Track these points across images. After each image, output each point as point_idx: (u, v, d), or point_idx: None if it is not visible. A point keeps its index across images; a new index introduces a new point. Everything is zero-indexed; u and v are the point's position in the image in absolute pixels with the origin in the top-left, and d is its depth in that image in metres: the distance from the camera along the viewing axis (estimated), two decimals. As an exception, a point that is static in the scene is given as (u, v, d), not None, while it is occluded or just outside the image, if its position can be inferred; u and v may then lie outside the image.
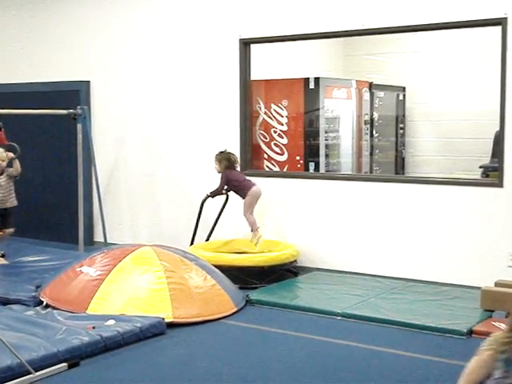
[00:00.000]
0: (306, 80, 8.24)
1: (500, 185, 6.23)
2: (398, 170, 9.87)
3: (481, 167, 8.41)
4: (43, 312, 5.61)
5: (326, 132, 8.50)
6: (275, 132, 8.14)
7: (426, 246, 6.61)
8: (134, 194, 8.43)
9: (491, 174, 7.49)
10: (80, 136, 7.76)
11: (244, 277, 6.57)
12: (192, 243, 7.32)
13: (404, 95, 9.86)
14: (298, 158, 8.13)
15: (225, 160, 7.14)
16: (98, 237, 8.52)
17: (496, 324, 5.23)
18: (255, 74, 7.68)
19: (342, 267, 7.00)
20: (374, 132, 9.37)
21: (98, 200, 8.09)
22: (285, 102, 8.12)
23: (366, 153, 9.19)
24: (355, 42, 9.47)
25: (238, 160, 7.28)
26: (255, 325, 5.50)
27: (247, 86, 7.60)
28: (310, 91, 8.25)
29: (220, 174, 7.17)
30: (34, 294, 5.96)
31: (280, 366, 4.63)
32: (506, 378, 2.88)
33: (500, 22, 6.10)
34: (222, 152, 7.19)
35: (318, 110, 8.40)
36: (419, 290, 6.31)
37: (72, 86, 8.67)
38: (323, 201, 7.17)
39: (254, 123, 8.02)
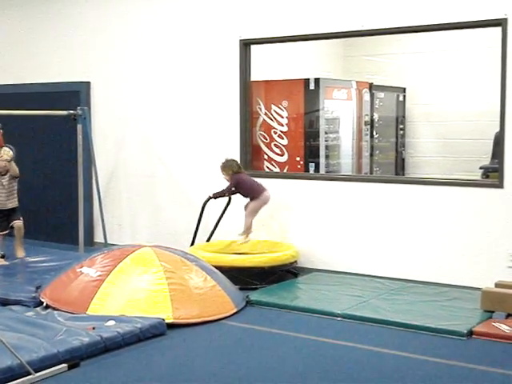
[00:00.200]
0: (306, 81, 8.24)
1: (500, 186, 6.23)
2: (398, 170, 9.87)
3: (481, 168, 8.41)
4: (43, 313, 5.60)
5: (326, 133, 8.51)
6: (275, 133, 8.14)
7: (425, 246, 6.61)
8: (134, 195, 8.43)
9: (491, 175, 7.49)
10: (80, 137, 7.76)
11: (244, 278, 6.57)
12: (192, 244, 7.32)
13: (404, 96, 9.86)
14: (298, 158, 8.14)
15: (228, 168, 7.11)
16: (98, 237, 8.52)
17: (496, 325, 5.24)
18: (255, 75, 7.68)
19: (342, 268, 7.00)
20: (374, 133, 9.37)
21: (98, 201, 8.09)
22: (285, 103, 8.13)
23: (366, 154, 9.19)
24: (355, 43, 9.46)
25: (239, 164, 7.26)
26: (255, 325, 5.50)
27: (247, 87, 7.60)
28: (310, 92, 8.25)
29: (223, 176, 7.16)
30: (34, 294, 5.96)
31: (280, 366, 4.62)
32: None
33: (500, 22, 6.10)
34: (223, 162, 7.16)
35: (318, 110, 8.40)
36: (419, 290, 6.31)
37: (72, 87, 8.67)
38: (323, 202, 7.17)
39: (254, 124, 8.02)
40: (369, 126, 9.21)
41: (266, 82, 8.27)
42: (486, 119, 8.60)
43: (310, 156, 8.20)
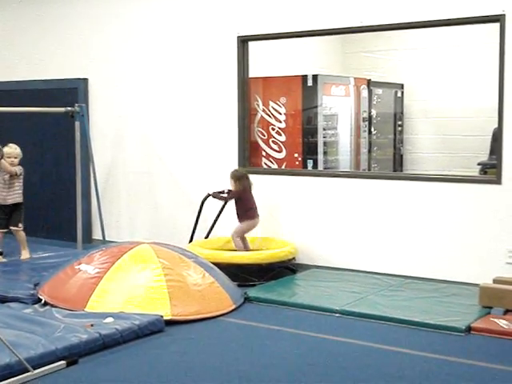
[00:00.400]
0: (304, 77, 8.24)
1: (498, 182, 6.23)
2: (396, 167, 9.88)
3: (479, 164, 8.41)
4: (41, 310, 5.60)
5: (324, 129, 8.51)
6: (273, 129, 8.14)
7: (424, 243, 6.61)
8: (132, 192, 8.42)
9: (489, 171, 7.48)
10: (78, 134, 7.75)
11: (242, 274, 6.57)
12: (191, 241, 7.32)
13: (402, 92, 9.87)
14: (296, 155, 8.14)
15: (240, 183, 6.94)
16: (97, 234, 8.51)
17: (494, 321, 5.24)
18: (253, 72, 7.67)
19: (340, 264, 7.00)
20: (373, 129, 9.37)
21: (96, 198, 8.09)
22: (283, 100, 8.12)
23: (364, 150, 9.20)
24: (353, 40, 9.47)
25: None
26: (253, 322, 5.50)
27: (245, 84, 7.59)
28: (308, 88, 8.25)
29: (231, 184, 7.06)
30: (32, 291, 5.95)
31: (278, 363, 4.62)
32: None
33: (498, 18, 6.10)
34: (238, 173, 7.02)
35: (316, 107, 8.40)
36: (417, 287, 6.32)
37: (70, 84, 8.65)
38: (321, 198, 7.16)
39: (252, 120, 8.02)
40: (367, 123, 9.21)
41: (264, 78, 8.26)
42: (483, 115, 8.61)
43: (308, 152, 8.21)
